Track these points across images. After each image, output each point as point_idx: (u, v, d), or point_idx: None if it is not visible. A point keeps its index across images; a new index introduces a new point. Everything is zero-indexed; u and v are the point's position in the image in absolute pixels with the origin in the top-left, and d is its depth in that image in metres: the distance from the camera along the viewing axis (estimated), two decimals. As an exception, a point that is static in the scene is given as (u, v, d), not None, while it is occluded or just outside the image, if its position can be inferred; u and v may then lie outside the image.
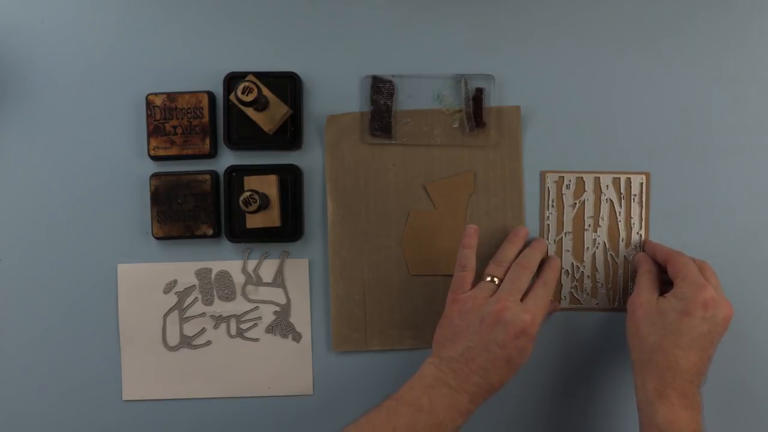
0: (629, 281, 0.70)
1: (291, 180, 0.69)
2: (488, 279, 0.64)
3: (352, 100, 0.70)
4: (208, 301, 0.70)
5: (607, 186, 0.70)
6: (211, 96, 0.70)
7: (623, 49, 0.70)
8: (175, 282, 0.70)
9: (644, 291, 0.64)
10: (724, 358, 0.66)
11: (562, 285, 0.70)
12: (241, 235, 0.69)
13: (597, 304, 0.70)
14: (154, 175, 0.69)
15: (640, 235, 0.70)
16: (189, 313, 0.70)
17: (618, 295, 0.70)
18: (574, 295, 0.70)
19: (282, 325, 0.70)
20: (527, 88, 0.70)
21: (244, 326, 0.70)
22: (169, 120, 0.69)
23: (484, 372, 0.59)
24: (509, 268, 0.64)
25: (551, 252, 0.70)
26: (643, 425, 0.60)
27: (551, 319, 0.69)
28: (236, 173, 0.69)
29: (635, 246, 0.70)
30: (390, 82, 0.70)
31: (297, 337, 0.70)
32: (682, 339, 0.59)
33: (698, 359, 0.59)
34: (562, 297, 0.70)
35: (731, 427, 0.70)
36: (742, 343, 0.68)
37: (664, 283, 0.66)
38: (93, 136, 0.70)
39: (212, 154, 0.70)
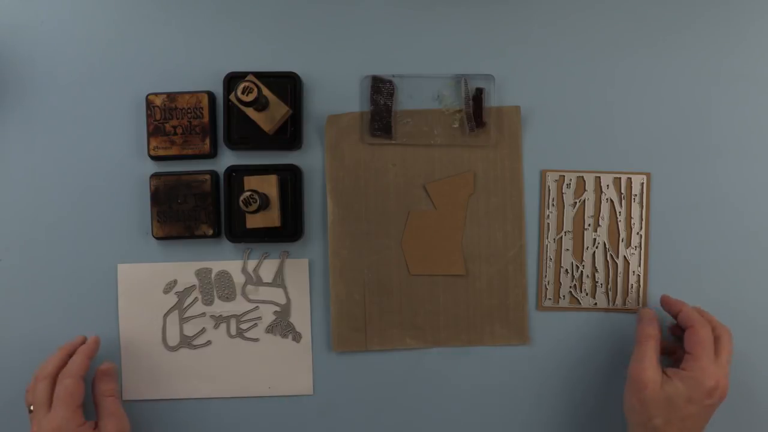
0: (628, 281, 0.70)
1: (291, 180, 0.69)
2: None
3: (352, 100, 0.70)
4: (208, 301, 0.70)
5: (608, 186, 0.70)
6: (211, 96, 0.70)
7: (623, 49, 0.70)
8: (175, 282, 0.70)
9: (649, 366, 0.62)
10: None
11: (561, 284, 0.70)
12: (241, 235, 0.69)
13: (596, 304, 0.70)
14: (154, 175, 0.69)
15: (641, 235, 0.70)
16: (189, 313, 0.70)
17: (617, 295, 0.70)
18: (574, 294, 0.70)
19: (282, 325, 0.70)
20: (527, 88, 0.70)
21: (244, 326, 0.70)
22: (169, 120, 0.69)
23: None
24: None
25: (551, 251, 0.70)
26: None
27: (550, 319, 0.69)
28: (236, 173, 0.69)
29: (635, 247, 0.70)
30: (390, 82, 0.70)
31: (297, 337, 0.70)
32: (685, 423, 0.61)
33: None
34: (561, 296, 0.70)
35: (731, 427, 0.70)
36: (742, 344, 0.68)
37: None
38: (93, 136, 0.70)
39: (212, 154, 0.70)
